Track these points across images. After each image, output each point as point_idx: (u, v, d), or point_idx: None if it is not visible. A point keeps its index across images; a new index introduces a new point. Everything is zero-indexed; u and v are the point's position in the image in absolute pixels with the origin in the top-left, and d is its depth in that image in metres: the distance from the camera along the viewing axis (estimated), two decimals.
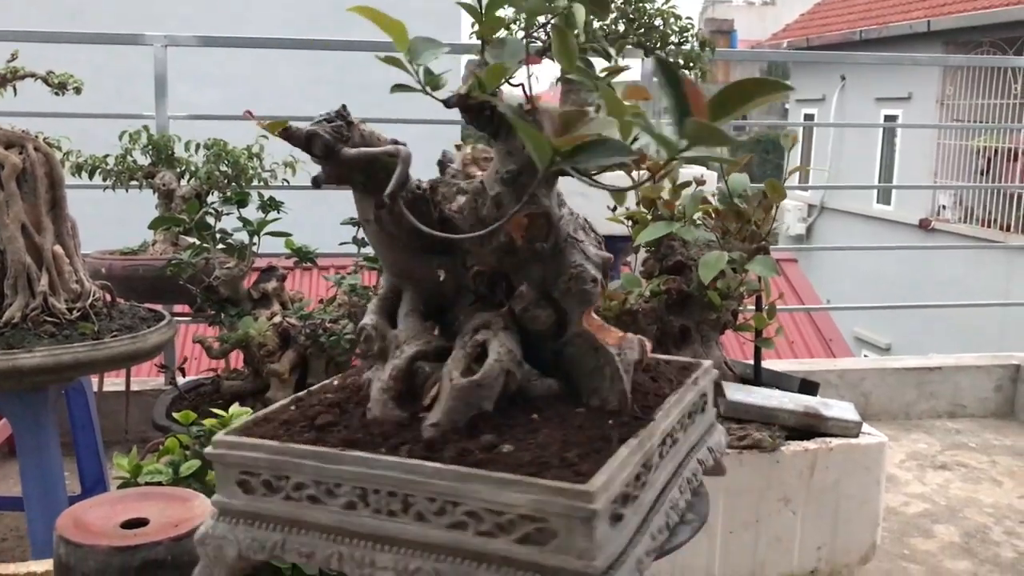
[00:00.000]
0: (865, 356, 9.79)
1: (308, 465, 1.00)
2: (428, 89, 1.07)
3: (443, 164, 1.21)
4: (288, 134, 1.08)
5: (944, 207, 11.57)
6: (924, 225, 11.32)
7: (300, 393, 1.22)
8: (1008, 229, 10.49)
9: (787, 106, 15.31)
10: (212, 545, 1.05)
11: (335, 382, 1.26)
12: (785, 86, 0.79)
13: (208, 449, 1.06)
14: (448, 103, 1.08)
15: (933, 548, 2.60)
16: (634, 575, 0.94)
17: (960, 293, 9.17)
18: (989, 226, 10.79)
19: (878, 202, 12.56)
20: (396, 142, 1.13)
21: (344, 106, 1.12)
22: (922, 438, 3.51)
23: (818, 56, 13.38)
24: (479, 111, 1.08)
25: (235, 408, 1.78)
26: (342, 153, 1.10)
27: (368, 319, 1.18)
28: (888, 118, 12.27)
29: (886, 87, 11.92)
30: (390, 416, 1.09)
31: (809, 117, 14.05)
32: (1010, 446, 3.44)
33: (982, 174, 11.05)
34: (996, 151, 10.74)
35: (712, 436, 1.34)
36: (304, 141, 1.09)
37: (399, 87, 1.09)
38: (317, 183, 1.11)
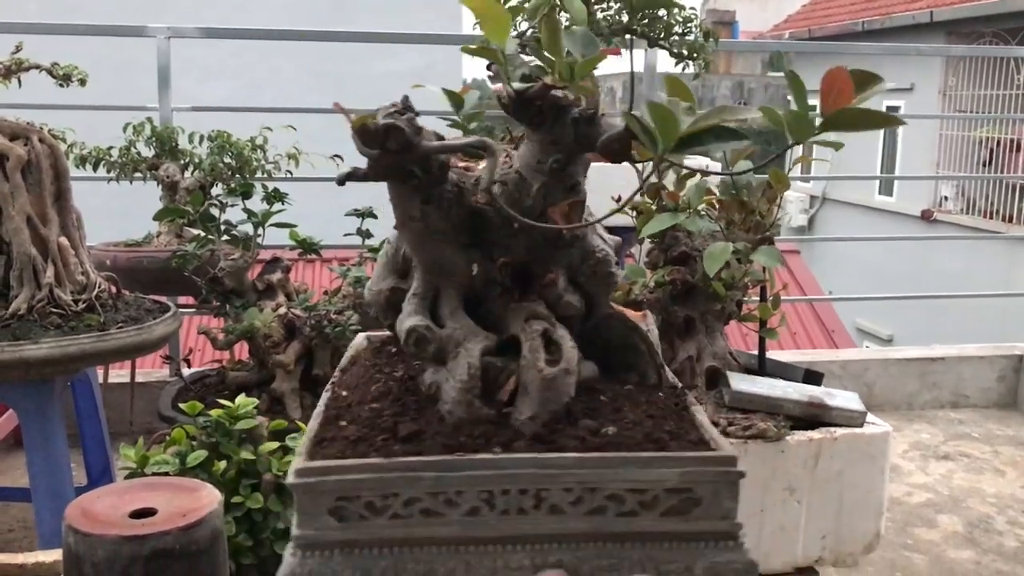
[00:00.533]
0: (867, 347, 9.79)
1: (427, 477, 0.94)
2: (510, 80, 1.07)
3: None
4: (364, 129, 1.00)
5: (946, 198, 11.55)
6: (926, 216, 11.31)
7: (320, 407, 1.14)
8: (1010, 220, 10.48)
9: (788, 97, 15.26)
10: None
11: (344, 392, 1.19)
12: (879, 78, 0.91)
13: (291, 480, 0.96)
14: (525, 94, 1.05)
15: (936, 538, 2.61)
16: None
17: (962, 284, 9.16)
18: (991, 217, 10.77)
19: (880, 193, 12.53)
20: (439, 135, 1.09)
21: (406, 97, 1.05)
22: (925, 428, 3.51)
23: (820, 47, 13.35)
24: (530, 102, 1.07)
25: (241, 399, 1.79)
26: (422, 146, 1.02)
27: (416, 320, 1.12)
28: (890, 109, 12.24)
29: (888, 78, 11.52)
30: (478, 415, 1.06)
31: (811, 108, 13.99)
32: (1013, 436, 3.44)
33: (984, 165, 11.03)
34: (998, 142, 10.72)
35: None
36: (381, 135, 1.00)
37: (494, 78, 1.09)
38: (346, 179, 1.03)
